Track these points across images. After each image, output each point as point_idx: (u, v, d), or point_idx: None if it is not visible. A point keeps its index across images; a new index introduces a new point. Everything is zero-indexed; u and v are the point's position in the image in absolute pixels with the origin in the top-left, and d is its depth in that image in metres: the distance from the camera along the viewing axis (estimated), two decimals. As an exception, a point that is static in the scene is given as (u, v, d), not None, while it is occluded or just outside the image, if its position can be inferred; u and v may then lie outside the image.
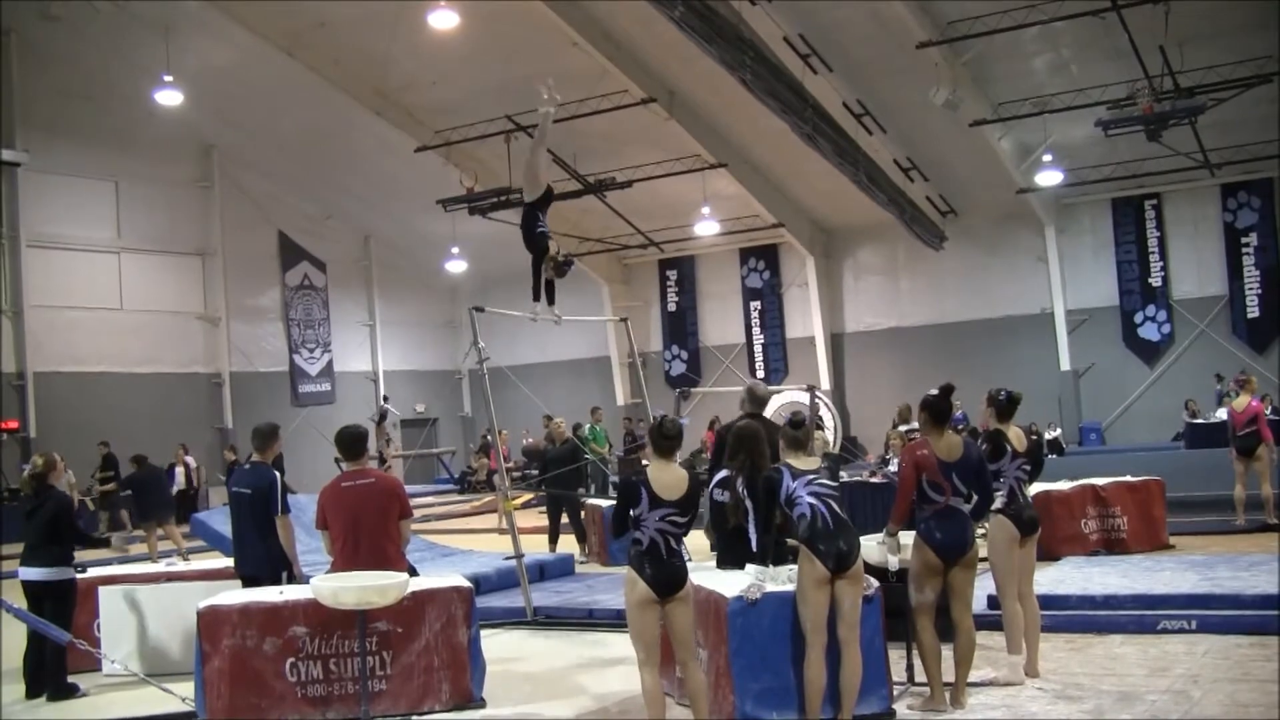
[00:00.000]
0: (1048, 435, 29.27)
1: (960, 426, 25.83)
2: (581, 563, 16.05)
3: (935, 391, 7.80)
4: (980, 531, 7.91)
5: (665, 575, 6.73)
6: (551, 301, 12.72)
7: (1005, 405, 8.38)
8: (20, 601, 9.83)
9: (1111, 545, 14.15)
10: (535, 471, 22.66)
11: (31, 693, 9.65)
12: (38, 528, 9.69)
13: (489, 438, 25.60)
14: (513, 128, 28.80)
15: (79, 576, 10.04)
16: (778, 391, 26.39)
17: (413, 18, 24.57)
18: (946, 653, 7.69)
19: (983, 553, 8.74)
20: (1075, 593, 10.17)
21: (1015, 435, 8.33)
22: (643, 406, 17.34)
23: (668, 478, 6.85)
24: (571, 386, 36.21)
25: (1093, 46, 24.74)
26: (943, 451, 7.58)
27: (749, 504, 7.39)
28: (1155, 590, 10.10)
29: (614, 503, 16.10)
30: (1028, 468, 8.29)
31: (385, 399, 36.58)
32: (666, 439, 7.00)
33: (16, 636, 10.85)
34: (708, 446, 29.51)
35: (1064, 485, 14.56)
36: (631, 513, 6.79)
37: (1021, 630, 8.16)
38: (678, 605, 6.80)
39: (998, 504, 8.12)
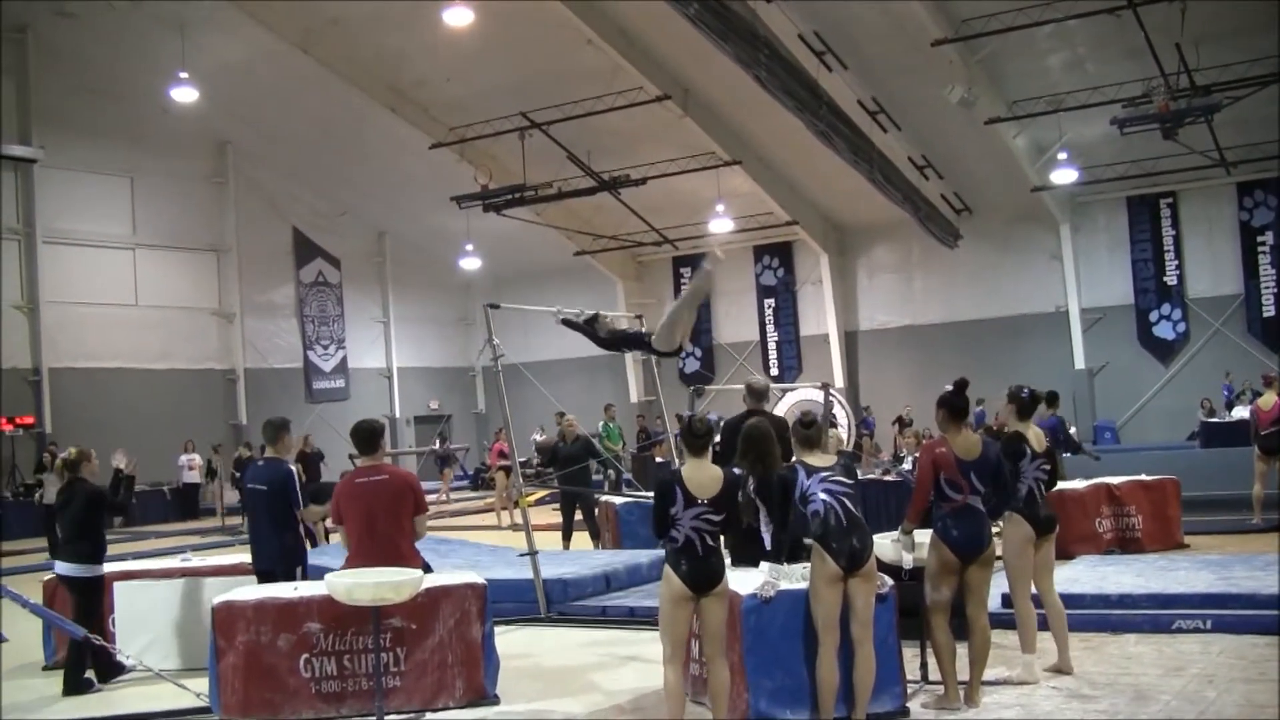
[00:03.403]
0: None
1: (979, 426, 25.90)
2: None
3: (950, 388, 7.78)
4: (995, 530, 7.90)
5: (701, 571, 6.76)
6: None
7: (1028, 403, 8.34)
8: (38, 596, 9.87)
9: (1126, 544, 14.11)
10: (546, 468, 22.61)
11: (69, 689, 9.69)
12: (68, 523, 9.78)
13: (499, 434, 25.55)
14: (527, 125, 28.83)
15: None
16: (792, 388, 26.42)
17: (427, 14, 24.59)
18: (961, 651, 7.67)
19: (998, 551, 8.75)
20: (1090, 592, 10.13)
21: (1035, 436, 8.30)
22: (656, 404, 17.33)
23: (701, 476, 6.86)
24: (585, 383, 36.17)
25: (1108, 44, 24.68)
26: (961, 450, 7.55)
27: (759, 503, 7.40)
28: (1170, 590, 10.06)
29: (627, 499, 16.12)
30: (1047, 468, 8.26)
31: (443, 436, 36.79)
32: (696, 437, 7.00)
33: (19, 632, 10.92)
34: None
35: (1078, 484, 14.51)
36: (670, 511, 6.81)
37: (1034, 629, 8.16)
38: (713, 601, 6.82)
39: (1015, 503, 8.11)
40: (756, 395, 9.44)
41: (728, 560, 7.12)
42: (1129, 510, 14.35)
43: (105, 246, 30.67)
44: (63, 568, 9.81)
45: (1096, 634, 9.42)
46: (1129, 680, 8.05)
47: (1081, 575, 11.06)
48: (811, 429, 7.26)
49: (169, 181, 32.01)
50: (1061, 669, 8.19)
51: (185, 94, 27.20)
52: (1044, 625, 8.48)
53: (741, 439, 7.75)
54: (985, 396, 29.27)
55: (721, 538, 6.95)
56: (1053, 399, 18.34)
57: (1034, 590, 8.33)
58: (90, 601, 9.70)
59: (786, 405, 22.09)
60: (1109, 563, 12.17)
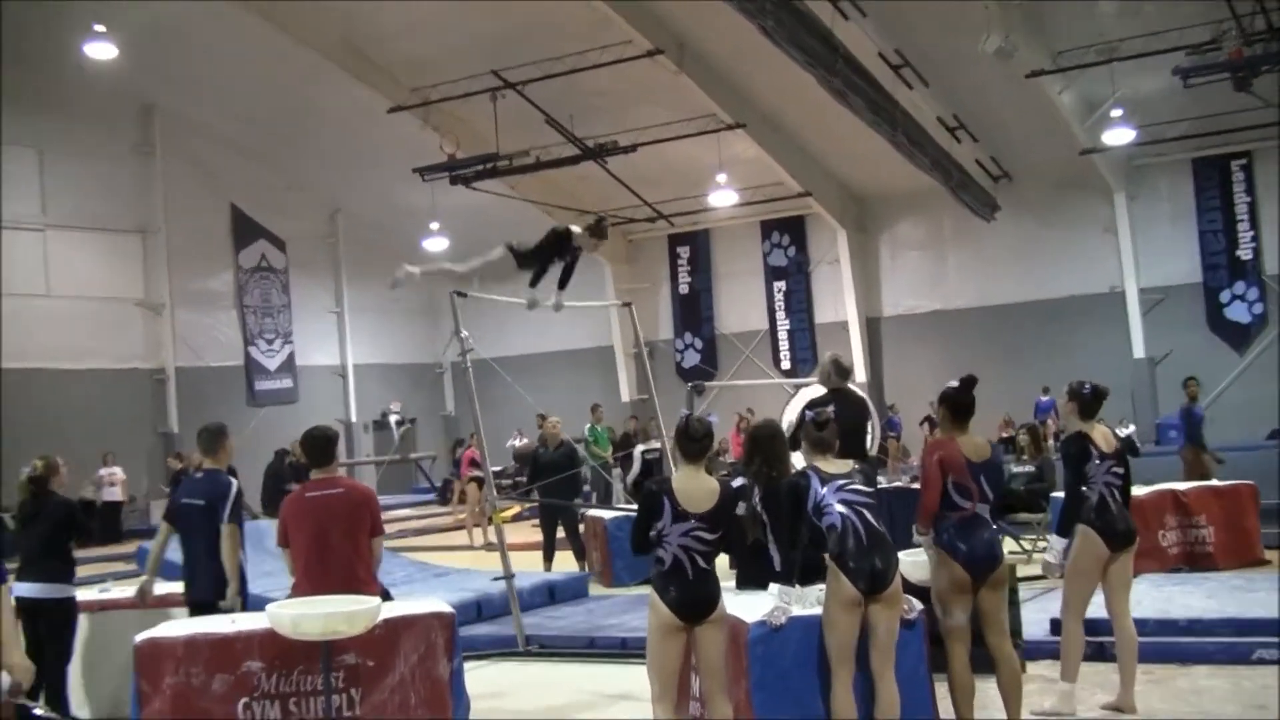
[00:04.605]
0: (1120, 433, 29.18)
1: (1044, 421, 25.92)
2: (582, 584, 16.00)
3: (956, 384, 7.80)
4: (1022, 549, 7.89)
5: (691, 597, 6.72)
6: (564, 285, 13.03)
7: (1090, 400, 8.36)
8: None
9: (1195, 560, 14.07)
10: (525, 479, 22.57)
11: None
12: (36, 538, 9.71)
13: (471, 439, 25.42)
14: (500, 85, 28.76)
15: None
16: (806, 383, 26.34)
17: (383, -43, 24.55)
18: (991, 686, 7.61)
19: (1036, 570, 8.75)
20: (1153, 616, 10.06)
21: (1102, 434, 8.33)
22: (650, 403, 17.27)
23: (695, 487, 6.82)
24: (570, 381, 36.18)
25: (1169, -18, 24.67)
26: (970, 451, 7.58)
27: (765, 516, 7.35)
28: (1248, 613, 10.02)
29: (617, 514, 16.11)
30: (1119, 470, 8.25)
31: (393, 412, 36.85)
32: (693, 441, 6.97)
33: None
34: (731, 448, 29.55)
35: (1139, 491, 14.45)
36: (655, 526, 6.76)
37: (1079, 657, 8.19)
38: (708, 630, 6.78)
39: (1085, 514, 8.12)
40: (843, 373, 9.92)
41: (730, 584, 7.08)
42: (1198, 521, 14.31)
43: (10, 228, 30.26)
44: (27, 589, 9.54)
45: (1162, 665, 9.35)
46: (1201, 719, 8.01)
47: (1144, 596, 10.97)
48: (825, 430, 7.22)
49: (84, 153, 31.78)
50: (1123, 707, 8.15)
51: (102, 50, 26.95)
52: (1110, 655, 8.45)
53: (747, 440, 7.74)
54: (1025, 391, 29.37)
55: (719, 558, 6.90)
56: (1188, 383, 18.68)
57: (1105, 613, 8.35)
58: (62, 629, 9.59)
59: (798, 404, 21.99)
60: (1175, 581, 12.15)
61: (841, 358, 10.09)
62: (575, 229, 12.62)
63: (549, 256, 12.63)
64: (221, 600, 8.89)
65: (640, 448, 19.24)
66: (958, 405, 7.75)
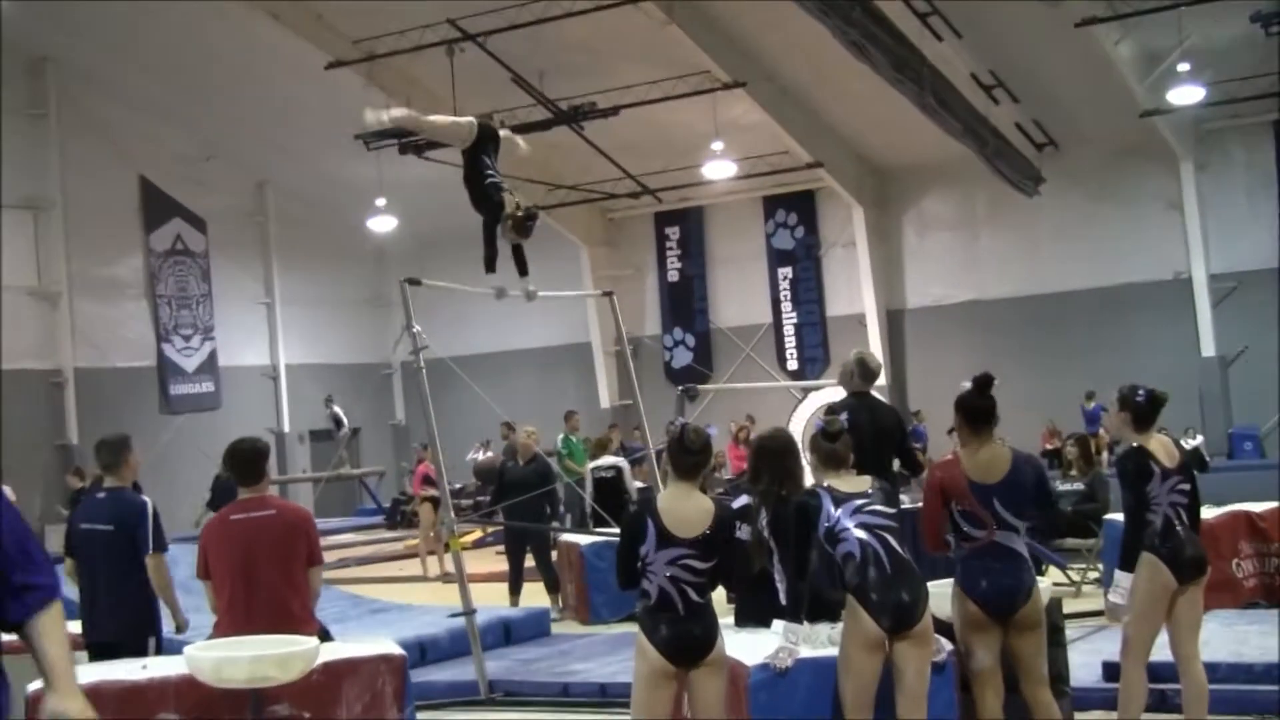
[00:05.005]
0: (1186, 444, 29.20)
1: (1096, 432, 25.94)
2: (555, 620, 16.04)
3: (969, 385, 7.78)
4: (1069, 581, 7.89)
5: (684, 637, 6.72)
6: (523, 271, 13.13)
7: (1146, 409, 8.30)
8: None
9: (1275, 594, 14.07)
10: (489, 498, 22.59)
11: None
12: None
13: (425, 452, 25.39)
14: (458, 35, 28.69)
15: None
16: (816, 387, 26.40)
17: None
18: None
19: (1095, 604, 8.74)
20: (1226, 659, 10.05)
21: (1162, 447, 8.25)
22: (635, 409, 17.29)
23: (686, 508, 6.84)
24: (541, 384, 36.20)
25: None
26: (978, 470, 7.53)
27: (773, 543, 7.37)
28: (1335, 656, 10.05)
29: (596, 539, 16.17)
30: (1185, 488, 8.22)
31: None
32: (689, 454, 6.99)
33: None
34: (729, 462, 29.57)
35: (1209, 513, 14.43)
36: (639, 553, 6.79)
37: (1142, 707, 8.16)
38: (705, 675, 6.79)
39: (1149, 540, 8.08)
40: (869, 375, 9.85)
41: (728, 621, 7.09)
42: (1277, 548, 14.32)
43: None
44: None
45: (1238, 716, 9.35)
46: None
47: (1214, 636, 10.94)
48: (838, 441, 7.23)
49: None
50: None
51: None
52: (1175, 704, 8.44)
53: (753, 453, 7.75)
54: (1069, 394, 29.36)
55: (714, 590, 6.91)
56: None
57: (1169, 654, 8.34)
58: None
59: (808, 410, 22.12)
60: (1250, 619, 12.14)
61: (869, 357, 10.04)
62: (508, 207, 12.56)
63: (488, 216, 12.59)
64: (151, 637, 8.91)
65: (590, 465, 19.11)
66: (972, 411, 7.70)
